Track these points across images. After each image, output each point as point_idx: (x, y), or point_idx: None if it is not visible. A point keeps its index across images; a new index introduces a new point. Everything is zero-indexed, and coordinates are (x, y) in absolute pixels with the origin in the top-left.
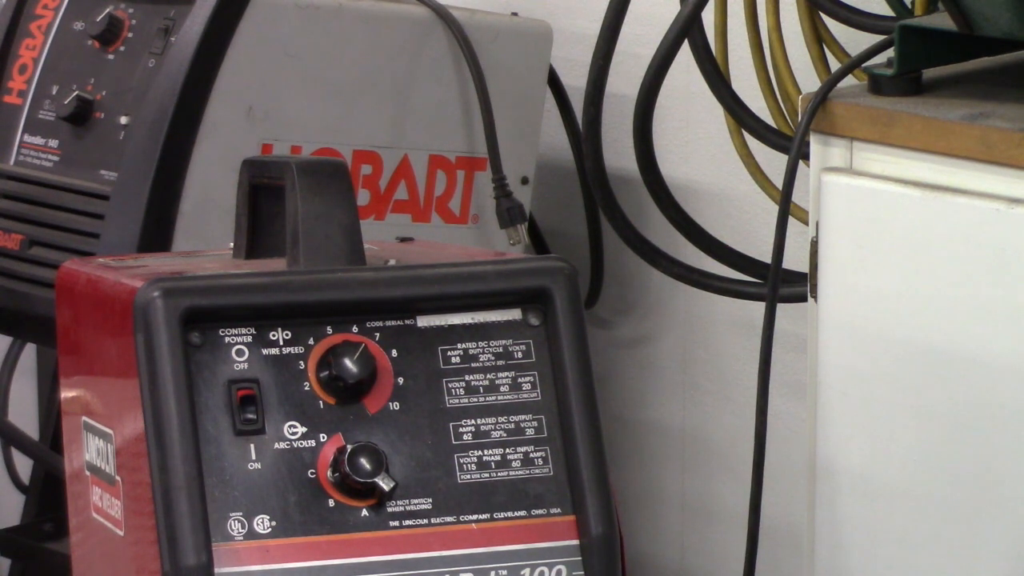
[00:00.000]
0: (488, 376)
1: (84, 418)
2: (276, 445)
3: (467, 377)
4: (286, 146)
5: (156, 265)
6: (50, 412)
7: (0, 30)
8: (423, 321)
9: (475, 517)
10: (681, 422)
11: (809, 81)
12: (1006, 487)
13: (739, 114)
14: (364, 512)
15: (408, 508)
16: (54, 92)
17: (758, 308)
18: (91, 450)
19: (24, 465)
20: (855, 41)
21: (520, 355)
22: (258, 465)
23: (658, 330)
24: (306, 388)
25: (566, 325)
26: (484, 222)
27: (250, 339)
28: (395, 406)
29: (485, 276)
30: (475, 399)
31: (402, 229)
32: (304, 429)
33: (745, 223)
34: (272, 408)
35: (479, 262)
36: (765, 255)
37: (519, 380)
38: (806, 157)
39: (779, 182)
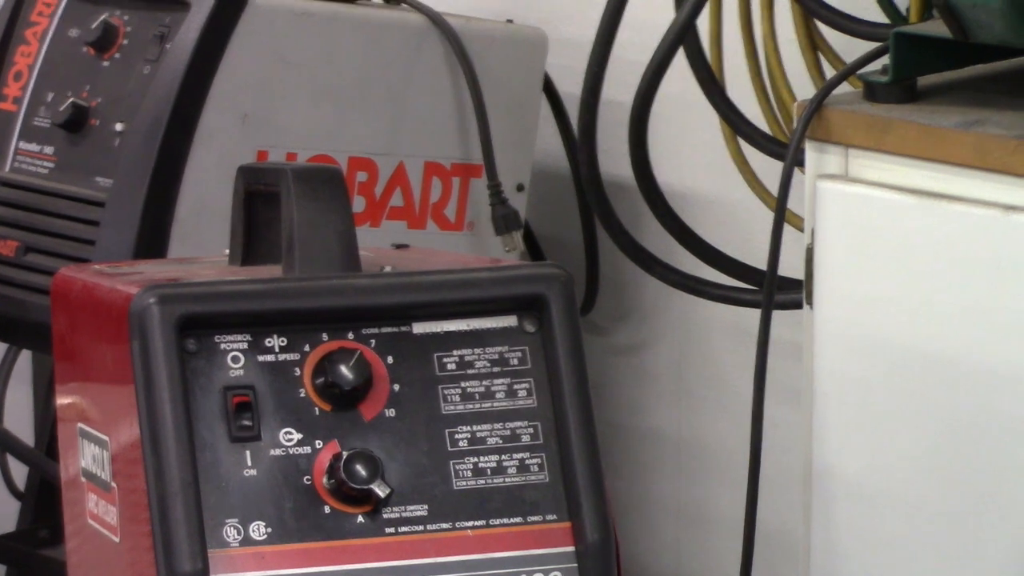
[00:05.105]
0: (484, 383)
1: (80, 425)
2: (272, 452)
3: (463, 384)
4: (281, 153)
5: (152, 272)
6: (46, 418)
7: None
8: (419, 328)
9: (471, 524)
10: (677, 429)
11: (804, 88)
12: (1002, 493)
13: (734, 121)
14: (360, 519)
15: (404, 515)
16: (49, 99)
17: (754, 315)
18: (87, 456)
19: (20, 472)
20: (850, 48)
21: (516, 362)
22: (254, 472)
23: (654, 337)
24: (302, 395)
25: (562, 332)
26: (479, 229)
27: (246, 346)
28: (391, 413)
29: (481, 283)
30: (471, 406)
31: (398, 236)
32: (300, 436)
33: (741, 230)
34: (268, 415)
35: (475, 269)
36: (761, 262)
37: (515, 387)
38: (801, 164)
39: (774, 189)
